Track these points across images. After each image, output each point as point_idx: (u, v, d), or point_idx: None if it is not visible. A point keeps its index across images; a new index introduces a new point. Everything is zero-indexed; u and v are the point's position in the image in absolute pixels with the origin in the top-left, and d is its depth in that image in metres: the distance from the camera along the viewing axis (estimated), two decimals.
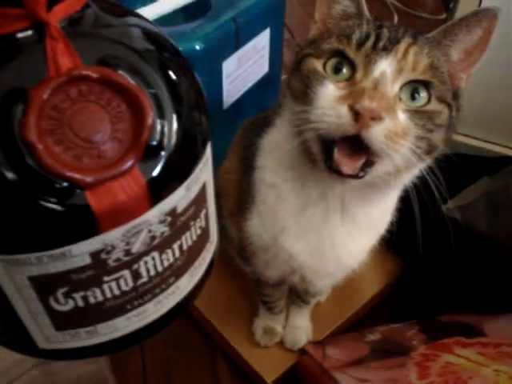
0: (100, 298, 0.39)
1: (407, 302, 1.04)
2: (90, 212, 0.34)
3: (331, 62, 0.58)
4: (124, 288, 0.39)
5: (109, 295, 0.39)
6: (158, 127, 0.36)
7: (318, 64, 0.58)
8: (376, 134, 0.52)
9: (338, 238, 0.69)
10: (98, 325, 0.40)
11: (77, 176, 0.33)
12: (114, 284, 0.38)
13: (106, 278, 0.38)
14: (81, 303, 0.38)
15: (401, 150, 0.54)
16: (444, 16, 1.82)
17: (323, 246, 0.69)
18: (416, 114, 0.55)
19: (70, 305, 0.38)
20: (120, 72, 0.36)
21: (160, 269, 0.41)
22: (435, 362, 0.78)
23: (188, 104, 0.40)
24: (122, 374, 0.93)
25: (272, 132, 0.71)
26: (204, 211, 0.44)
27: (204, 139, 0.42)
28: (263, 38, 1.07)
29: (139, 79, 0.36)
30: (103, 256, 0.36)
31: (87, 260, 0.36)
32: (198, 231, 0.44)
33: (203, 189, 0.43)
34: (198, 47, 0.88)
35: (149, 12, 0.87)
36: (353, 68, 0.56)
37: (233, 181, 0.78)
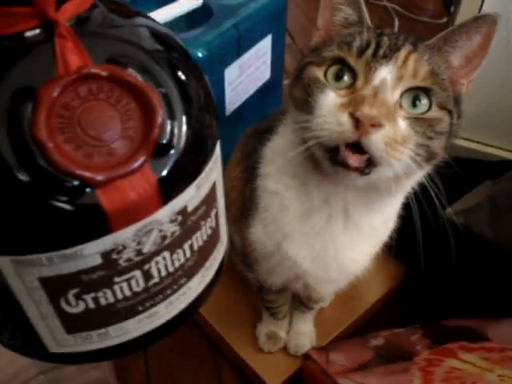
0: (111, 299, 0.38)
1: (410, 307, 1.05)
2: (101, 211, 0.33)
3: (332, 70, 0.58)
4: (135, 289, 0.39)
5: (120, 296, 0.38)
6: (168, 125, 0.36)
7: (318, 72, 0.59)
8: (376, 140, 0.52)
9: (341, 244, 0.69)
10: (110, 327, 0.40)
11: (87, 174, 0.32)
12: (125, 285, 0.38)
13: (117, 279, 0.37)
14: (92, 305, 0.38)
15: (401, 158, 0.54)
16: (445, 20, 1.84)
17: (326, 253, 0.69)
18: (416, 121, 0.55)
19: (81, 307, 0.37)
20: (129, 70, 0.36)
21: (171, 269, 0.40)
22: (439, 367, 0.78)
23: (197, 102, 0.40)
24: (127, 380, 0.92)
25: (275, 140, 0.72)
26: (214, 211, 0.44)
27: (213, 137, 0.42)
28: (265, 45, 1.07)
29: (148, 78, 0.36)
30: (114, 256, 0.36)
31: (98, 260, 0.35)
32: (209, 231, 0.43)
33: (213, 188, 0.43)
34: (200, 54, 0.88)
35: None
36: (354, 75, 0.57)
37: (236, 188, 0.78)
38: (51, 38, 0.34)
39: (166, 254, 0.39)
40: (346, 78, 0.57)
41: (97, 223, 0.34)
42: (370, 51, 0.57)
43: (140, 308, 0.40)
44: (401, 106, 0.55)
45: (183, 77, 0.39)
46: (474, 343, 0.83)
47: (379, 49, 0.57)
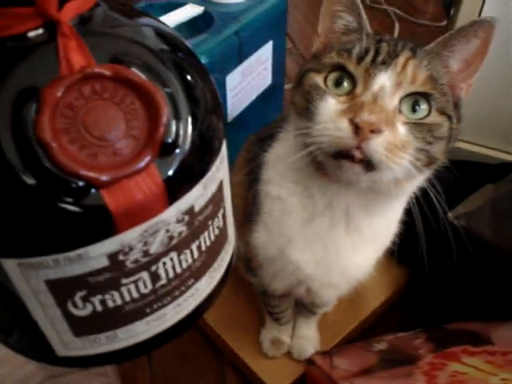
0: (119, 301, 0.38)
1: (414, 311, 1.04)
2: (107, 211, 0.33)
3: (332, 76, 0.59)
4: (143, 291, 0.38)
5: (127, 298, 0.38)
6: (173, 124, 0.36)
7: (318, 79, 0.59)
8: (375, 146, 0.52)
9: (344, 248, 0.69)
10: (118, 330, 0.39)
11: (92, 174, 0.32)
12: (132, 287, 0.37)
13: (124, 281, 0.37)
14: (99, 307, 0.37)
15: (400, 162, 0.54)
16: (445, 23, 1.84)
17: (328, 257, 0.69)
18: (416, 126, 0.56)
19: (89, 309, 0.37)
20: (133, 69, 0.35)
21: (179, 270, 0.40)
22: (443, 370, 0.78)
23: (203, 102, 0.40)
24: None
25: (276, 146, 0.72)
26: (221, 211, 0.44)
27: (219, 137, 0.42)
28: (266, 51, 1.08)
29: (153, 77, 0.36)
30: (121, 257, 0.35)
31: (105, 262, 0.35)
32: (216, 231, 0.43)
33: (220, 188, 0.42)
34: (202, 61, 0.88)
35: None
36: (353, 82, 0.57)
37: (238, 194, 0.78)
38: (54, 37, 0.34)
39: (174, 254, 0.39)
40: (345, 84, 0.58)
41: (102, 224, 0.34)
42: (368, 58, 0.57)
43: (148, 310, 0.40)
44: (400, 112, 0.56)
45: (188, 76, 0.39)
46: (478, 347, 0.83)
47: (378, 55, 0.57)
